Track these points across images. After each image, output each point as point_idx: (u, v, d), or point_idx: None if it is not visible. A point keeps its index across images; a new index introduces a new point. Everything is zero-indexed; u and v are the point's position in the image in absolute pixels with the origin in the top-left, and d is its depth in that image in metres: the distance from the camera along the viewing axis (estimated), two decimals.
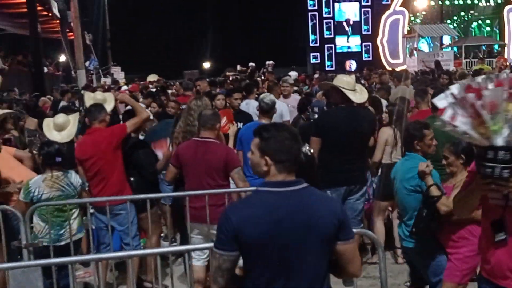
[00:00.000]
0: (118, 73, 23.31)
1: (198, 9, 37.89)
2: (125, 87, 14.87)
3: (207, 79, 10.63)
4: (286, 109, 6.92)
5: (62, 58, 21.76)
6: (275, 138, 2.28)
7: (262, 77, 15.03)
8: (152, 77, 18.53)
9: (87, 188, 4.75)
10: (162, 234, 5.74)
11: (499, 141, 2.10)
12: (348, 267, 2.34)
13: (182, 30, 37.42)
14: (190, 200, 4.20)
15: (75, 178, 4.52)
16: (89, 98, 6.35)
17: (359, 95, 4.86)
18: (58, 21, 20.76)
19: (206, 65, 33.67)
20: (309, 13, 32.13)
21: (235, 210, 2.30)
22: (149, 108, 6.95)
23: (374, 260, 5.09)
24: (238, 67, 18.88)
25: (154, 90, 10.80)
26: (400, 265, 5.23)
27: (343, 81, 4.88)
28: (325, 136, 4.76)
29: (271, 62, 18.85)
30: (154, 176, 5.09)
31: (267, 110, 5.29)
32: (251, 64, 17.69)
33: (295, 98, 7.74)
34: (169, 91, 10.93)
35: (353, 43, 32.45)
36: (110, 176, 4.64)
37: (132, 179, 4.81)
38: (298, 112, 6.60)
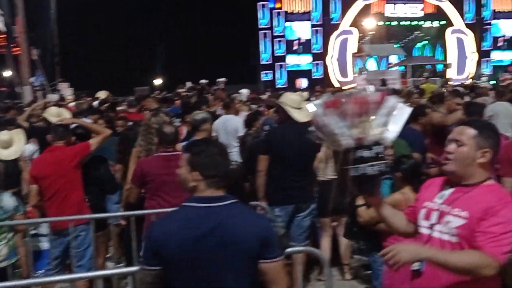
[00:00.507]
0: (66, 89, 22.75)
1: (150, 25, 37.68)
2: (72, 104, 14.53)
3: (159, 96, 10.55)
4: (241, 125, 6.96)
5: (7, 73, 21.08)
6: (205, 153, 2.29)
7: (213, 95, 15.01)
8: (101, 94, 18.17)
9: (22, 212, 4.52)
10: (107, 255, 5.59)
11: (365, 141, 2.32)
12: (272, 287, 2.30)
13: (133, 46, 37.08)
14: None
15: (7, 200, 4.32)
16: (52, 114, 6.21)
17: (303, 113, 4.88)
18: (5, 36, 20.17)
19: (157, 81, 33.38)
20: (261, 31, 32.47)
21: (159, 225, 2.29)
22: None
23: (322, 278, 5.12)
24: (188, 84, 18.79)
25: (100, 106, 10.58)
26: (348, 281, 5.27)
27: (289, 99, 4.93)
28: (273, 154, 4.78)
29: (222, 79, 18.89)
30: (114, 192, 5.01)
31: (195, 126, 5.30)
32: (202, 81, 17.67)
33: (243, 114, 7.78)
34: (119, 108, 10.75)
35: (304, 61, 32.98)
36: (70, 196, 4.51)
37: (87, 197, 4.70)
38: (246, 128, 6.63)
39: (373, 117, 2.34)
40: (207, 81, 17.72)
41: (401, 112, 2.39)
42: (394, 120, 2.38)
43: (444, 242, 2.33)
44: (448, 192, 2.42)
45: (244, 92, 15.10)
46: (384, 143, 2.37)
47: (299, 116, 4.85)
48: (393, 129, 2.38)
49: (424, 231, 2.43)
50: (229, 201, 2.27)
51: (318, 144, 5.11)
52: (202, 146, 2.33)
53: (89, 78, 29.54)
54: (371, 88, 2.43)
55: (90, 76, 31.02)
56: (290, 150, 4.75)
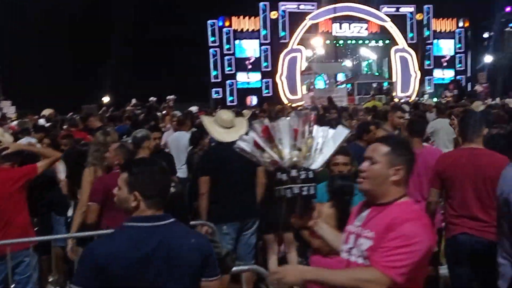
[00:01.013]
0: (8, 108, 22.02)
1: (99, 40, 37.03)
2: (15, 123, 14.04)
3: (104, 114, 10.36)
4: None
5: None
6: (145, 173, 2.26)
7: (163, 112, 14.90)
8: (47, 112, 17.69)
9: None
10: (49, 279, 5.40)
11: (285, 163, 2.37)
12: None
13: (81, 62, 36.28)
14: None
15: None
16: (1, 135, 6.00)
17: (233, 133, 4.84)
18: None
19: (106, 99, 32.77)
20: (211, 49, 32.59)
21: (99, 246, 2.24)
22: (41, 143, 6.63)
23: None
24: (133, 101, 18.56)
25: (45, 124, 10.31)
26: None
27: (219, 118, 4.94)
28: (214, 173, 4.77)
29: (172, 96, 18.75)
30: (65, 213, 4.88)
31: (136, 144, 5.25)
32: (151, 98, 17.51)
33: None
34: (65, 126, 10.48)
35: (254, 78, 33.27)
36: (14, 219, 4.32)
37: (35, 220, 4.54)
38: (191, 146, 6.61)
39: (291, 142, 2.36)
40: (155, 98, 17.56)
41: (336, 137, 2.42)
42: (325, 145, 2.41)
43: (359, 266, 2.30)
44: (365, 213, 2.39)
45: (194, 109, 15.06)
46: (303, 166, 2.36)
47: (222, 136, 4.80)
48: (324, 153, 2.40)
49: (344, 255, 2.42)
50: (169, 220, 2.25)
51: None
52: (142, 165, 2.29)
53: (33, 96, 28.64)
54: (294, 115, 2.42)
55: (34, 93, 30.08)
56: (229, 168, 4.74)
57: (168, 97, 19.07)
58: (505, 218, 3.34)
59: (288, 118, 2.45)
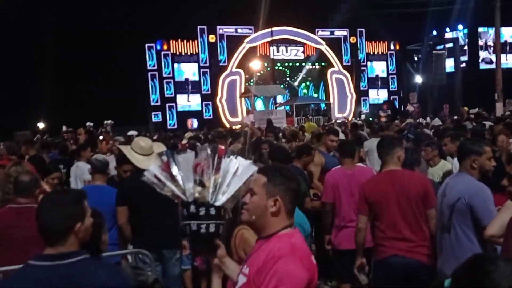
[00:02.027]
0: None
1: (33, 63, 35.94)
2: None
3: (41, 141, 10.04)
4: None
5: None
6: (48, 208, 2.20)
7: (101, 137, 14.61)
8: None
9: None
10: None
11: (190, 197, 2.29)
12: None
13: (14, 86, 35.01)
14: None
15: None
16: None
17: (153, 160, 4.80)
18: None
19: (41, 125, 31.74)
20: (149, 73, 32.37)
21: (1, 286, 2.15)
22: None
23: None
24: (64, 128, 18.04)
25: None
26: None
27: (137, 146, 4.88)
28: (134, 202, 4.71)
29: (109, 121, 18.46)
30: None
31: (101, 168, 5.15)
32: (88, 123, 17.13)
33: None
34: None
35: (194, 102, 33.25)
36: None
37: None
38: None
39: (194, 177, 2.28)
40: (92, 123, 17.19)
41: (244, 173, 2.33)
42: (232, 181, 2.31)
43: None
44: (253, 248, 2.33)
45: (132, 134, 14.86)
46: (205, 202, 2.26)
47: (145, 164, 4.61)
48: (230, 189, 2.31)
49: None
50: (79, 257, 2.15)
51: None
52: (44, 200, 2.23)
53: None
54: (201, 149, 2.35)
55: None
56: (150, 196, 4.65)
57: (106, 121, 18.75)
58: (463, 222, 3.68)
59: (192, 152, 2.38)
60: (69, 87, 36.01)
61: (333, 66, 35.27)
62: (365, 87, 37.38)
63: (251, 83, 32.26)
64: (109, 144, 10.08)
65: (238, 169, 2.32)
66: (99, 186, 5.06)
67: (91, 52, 35.68)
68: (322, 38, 34.95)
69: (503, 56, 31.42)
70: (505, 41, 38.35)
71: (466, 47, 39.75)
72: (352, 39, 36.58)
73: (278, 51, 33.86)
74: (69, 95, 35.84)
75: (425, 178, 4.51)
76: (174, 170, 2.30)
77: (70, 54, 35.06)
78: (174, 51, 32.58)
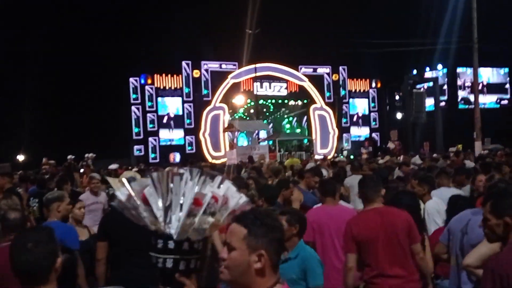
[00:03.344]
0: None
1: (13, 95, 35.69)
2: None
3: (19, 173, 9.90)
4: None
5: None
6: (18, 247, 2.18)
7: (82, 170, 14.50)
8: None
9: None
10: None
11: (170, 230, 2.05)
12: None
13: None
14: None
15: None
16: None
17: None
18: None
19: (21, 157, 31.35)
20: (132, 106, 32.40)
21: None
22: None
23: None
24: (44, 160, 17.81)
25: None
26: None
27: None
28: (113, 236, 4.64)
29: (91, 154, 18.33)
30: None
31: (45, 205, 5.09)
32: (69, 156, 16.99)
33: (104, 196, 7.61)
34: None
35: (177, 136, 33.26)
36: None
37: None
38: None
39: (174, 208, 2.02)
40: (73, 156, 17.04)
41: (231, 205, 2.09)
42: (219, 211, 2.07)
43: None
44: None
45: (114, 167, 14.79)
46: (165, 233, 2.03)
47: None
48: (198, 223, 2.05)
49: None
50: None
51: None
52: (22, 239, 2.20)
53: None
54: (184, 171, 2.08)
55: None
56: (128, 232, 4.59)
57: (87, 154, 18.61)
58: None
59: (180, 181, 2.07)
60: (51, 118, 35.81)
61: (316, 103, 35.69)
62: (347, 123, 37.81)
63: (236, 116, 32.41)
64: (86, 178, 9.96)
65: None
66: (56, 222, 4.96)
67: (74, 83, 35.70)
68: (305, 75, 35.47)
69: (481, 96, 32.15)
70: (483, 81, 39.36)
71: (445, 87, 40.68)
72: (335, 77, 37.18)
73: (261, 87, 34.23)
74: (51, 127, 35.58)
75: (407, 214, 4.57)
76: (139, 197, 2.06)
77: (53, 84, 35.03)
78: (158, 85, 32.74)
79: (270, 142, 31.08)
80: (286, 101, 35.76)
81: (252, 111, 34.26)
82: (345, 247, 4.48)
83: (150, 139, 32.51)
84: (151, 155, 32.28)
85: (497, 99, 42.64)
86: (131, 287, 4.36)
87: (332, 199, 5.44)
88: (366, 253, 4.32)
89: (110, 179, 5.23)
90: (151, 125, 32.59)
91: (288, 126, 37.15)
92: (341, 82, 37.52)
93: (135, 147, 32.40)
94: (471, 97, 34.66)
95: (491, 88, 41.94)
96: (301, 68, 35.58)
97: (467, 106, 38.84)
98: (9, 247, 2.31)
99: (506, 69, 43.08)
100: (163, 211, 2.05)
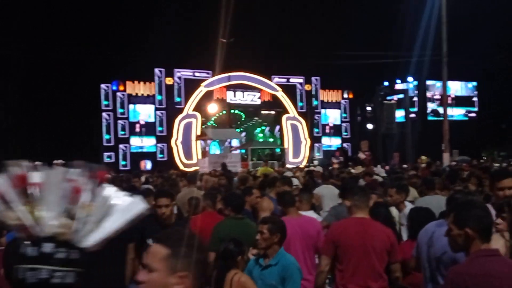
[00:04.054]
0: None
1: None
2: None
3: None
4: None
5: None
6: None
7: None
8: None
9: None
10: None
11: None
12: None
13: None
14: None
15: None
16: None
17: None
18: None
19: None
20: (103, 113, 31.99)
21: None
22: None
23: None
24: None
25: None
26: None
27: None
28: None
29: (59, 161, 17.94)
30: None
31: None
32: (37, 163, 16.64)
33: None
34: None
35: (148, 143, 32.96)
36: None
37: None
38: None
39: (61, 204, 1.72)
40: (40, 163, 16.65)
41: (129, 208, 1.90)
42: (110, 216, 1.83)
43: None
44: None
45: None
46: (69, 240, 1.72)
47: None
48: (105, 228, 1.81)
49: None
50: None
51: (129, 235, 4.61)
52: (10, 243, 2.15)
53: None
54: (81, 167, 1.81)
55: None
56: None
57: (55, 161, 18.25)
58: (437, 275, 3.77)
59: (65, 169, 1.80)
60: (19, 123, 35.09)
61: (288, 112, 35.89)
62: (319, 133, 38.11)
63: (207, 126, 32.30)
64: None
65: (123, 202, 1.86)
66: None
67: (44, 88, 35.11)
68: (278, 85, 35.66)
69: (449, 109, 32.81)
70: (451, 94, 40.22)
71: (415, 99, 41.40)
72: (307, 87, 37.48)
73: (234, 95, 34.26)
74: (19, 132, 34.86)
75: (391, 232, 4.62)
76: (31, 188, 1.69)
77: (22, 89, 34.36)
78: (130, 92, 32.44)
79: (243, 151, 31.08)
80: (259, 110, 35.85)
81: (224, 119, 34.22)
82: (321, 249, 4.51)
83: (121, 146, 32.13)
84: (122, 162, 31.89)
85: (465, 112, 43.61)
86: None
87: (294, 209, 5.40)
88: (342, 259, 4.36)
89: None
90: (122, 132, 32.23)
91: (260, 135, 37.23)
92: (313, 92, 37.84)
93: (105, 154, 31.96)
94: (440, 110, 35.34)
95: (460, 101, 42.88)
96: (274, 78, 35.77)
97: (436, 118, 39.57)
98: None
99: (474, 83, 44.15)
100: (77, 213, 1.73)
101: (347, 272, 4.32)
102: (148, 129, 32.79)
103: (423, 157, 23.82)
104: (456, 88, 43.10)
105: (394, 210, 6.40)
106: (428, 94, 41.79)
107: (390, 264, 4.36)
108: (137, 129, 32.57)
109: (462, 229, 2.84)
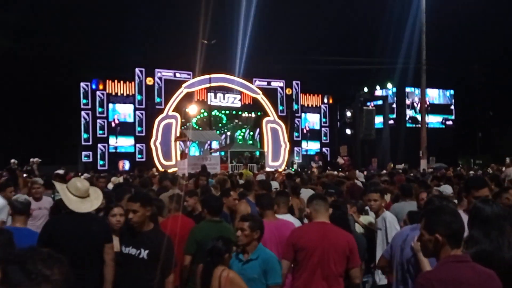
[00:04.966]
0: None
1: None
2: None
3: None
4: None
5: None
6: None
7: (25, 175, 14.01)
8: None
9: None
10: None
11: None
12: None
13: None
14: None
15: None
16: None
17: (87, 203, 4.67)
18: None
19: None
20: (82, 112, 31.64)
21: None
22: None
23: None
24: None
25: None
26: None
27: (73, 186, 4.70)
28: (53, 245, 4.49)
29: (36, 159, 17.73)
30: None
31: (21, 209, 4.91)
32: (12, 160, 16.39)
33: (48, 201, 7.39)
34: None
35: (127, 143, 32.70)
36: None
37: None
38: (50, 216, 6.23)
39: None
40: (16, 161, 16.40)
41: None
42: None
43: None
44: None
45: (60, 173, 14.37)
46: None
47: (77, 206, 4.58)
48: None
49: None
50: None
51: (103, 236, 4.67)
52: None
53: None
54: None
55: None
56: (71, 241, 4.47)
57: (32, 159, 18.01)
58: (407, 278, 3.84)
59: None
60: None
61: (269, 115, 35.99)
62: (298, 137, 38.27)
63: (187, 128, 32.19)
64: (27, 184, 9.58)
65: None
66: (19, 228, 4.81)
67: (22, 86, 34.60)
68: (259, 88, 35.74)
69: (427, 116, 33.27)
70: (429, 101, 40.78)
71: (394, 105, 41.87)
72: (288, 91, 37.65)
73: (215, 97, 34.21)
74: None
75: (352, 237, 4.70)
76: None
77: (0, 89, 33.83)
78: (110, 91, 32.15)
79: (222, 153, 31.04)
80: (239, 112, 35.88)
81: (205, 121, 34.14)
82: (282, 253, 4.55)
83: (99, 145, 31.82)
84: (100, 162, 31.59)
85: (443, 120, 44.25)
86: None
87: (271, 212, 5.42)
88: (299, 264, 4.42)
89: (57, 184, 5.08)
90: (101, 131, 31.92)
91: (240, 137, 37.25)
92: (294, 97, 38.02)
93: (83, 153, 31.62)
94: (419, 117, 35.80)
95: (437, 109, 43.51)
96: (255, 81, 35.85)
97: (414, 125, 40.08)
98: None
99: (452, 91, 44.83)
100: None
101: (303, 277, 4.39)
102: (127, 129, 32.51)
103: (391, 164, 24.12)
104: (434, 95, 43.74)
105: (372, 214, 6.48)
106: (407, 101, 42.32)
107: (350, 269, 4.43)
108: (116, 129, 32.16)
109: (432, 235, 2.87)
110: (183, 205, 6.17)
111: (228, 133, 36.36)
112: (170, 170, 25.78)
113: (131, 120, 32.70)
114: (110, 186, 10.34)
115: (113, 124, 32.08)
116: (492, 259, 3.17)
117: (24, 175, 14.09)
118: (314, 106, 39.35)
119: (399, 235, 4.23)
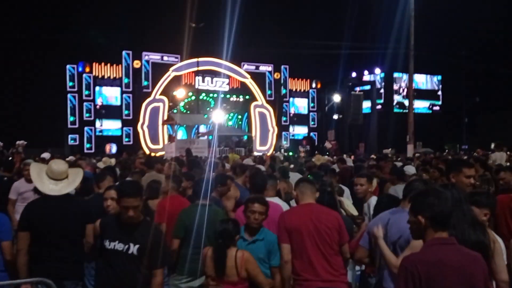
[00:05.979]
0: None
1: None
2: None
3: None
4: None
5: None
6: None
7: (11, 158, 13.90)
8: None
9: None
10: None
11: None
12: None
13: None
14: None
15: None
16: None
17: (63, 186, 4.65)
18: None
19: None
20: (68, 94, 31.29)
21: None
22: None
23: None
24: None
25: None
26: None
27: (49, 169, 4.67)
28: (34, 229, 4.48)
29: (21, 142, 17.57)
30: None
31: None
32: None
33: None
34: None
35: (114, 126, 32.46)
36: None
37: None
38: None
39: None
40: (1, 143, 16.27)
41: None
42: None
43: None
44: None
45: (46, 156, 14.26)
46: None
47: (49, 189, 4.56)
48: None
49: None
50: None
51: (84, 219, 4.64)
52: None
53: None
54: None
55: None
56: (51, 224, 4.46)
57: (18, 142, 17.85)
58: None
59: None
60: None
61: (257, 100, 35.91)
62: (286, 122, 38.28)
63: (175, 111, 32.03)
64: (19, 166, 9.60)
65: None
66: None
67: (8, 68, 34.14)
68: (247, 72, 35.59)
69: (415, 101, 33.42)
70: (416, 87, 40.95)
71: (382, 90, 42.03)
72: (276, 75, 37.54)
73: (203, 81, 34.01)
74: None
75: (338, 214, 4.80)
76: None
77: None
78: (96, 74, 31.79)
79: (210, 137, 30.96)
80: (227, 96, 35.74)
81: (192, 105, 33.97)
82: (279, 238, 4.57)
83: (86, 128, 31.56)
84: (86, 145, 31.37)
85: (430, 105, 44.55)
86: (52, 281, 4.21)
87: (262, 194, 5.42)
88: (294, 248, 4.46)
89: (34, 165, 5.03)
90: (88, 115, 31.64)
91: (228, 121, 37.14)
92: (282, 81, 37.94)
93: (70, 136, 31.36)
94: (406, 102, 35.96)
95: (425, 94, 43.77)
96: (243, 65, 35.68)
97: (401, 110, 40.28)
98: None
99: (439, 77, 45.07)
100: None
101: (300, 268, 4.44)
102: (114, 112, 32.26)
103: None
104: (422, 81, 43.96)
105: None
106: (395, 87, 42.51)
107: (340, 245, 4.53)
108: (103, 112, 31.90)
109: (416, 217, 2.92)
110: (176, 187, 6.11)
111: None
112: (157, 154, 25.73)
113: (118, 103, 32.43)
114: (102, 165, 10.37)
115: (102, 109, 31.83)
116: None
117: (10, 158, 13.96)
118: (302, 90, 39.32)
119: (379, 220, 4.24)
